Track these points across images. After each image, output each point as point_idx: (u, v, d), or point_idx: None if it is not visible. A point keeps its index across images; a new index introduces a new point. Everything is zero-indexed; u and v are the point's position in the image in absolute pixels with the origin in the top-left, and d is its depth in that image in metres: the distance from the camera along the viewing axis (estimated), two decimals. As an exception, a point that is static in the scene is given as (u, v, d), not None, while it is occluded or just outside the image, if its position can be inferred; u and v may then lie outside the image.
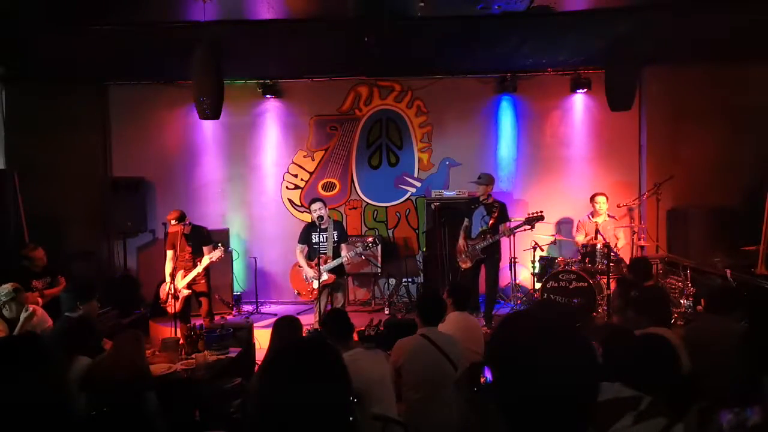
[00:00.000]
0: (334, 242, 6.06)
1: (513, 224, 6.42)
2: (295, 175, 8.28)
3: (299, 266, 6.24)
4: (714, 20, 5.70)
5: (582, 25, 5.73)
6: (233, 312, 7.49)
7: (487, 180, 6.51)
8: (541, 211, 6.24)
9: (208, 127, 7.95)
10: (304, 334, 4.65)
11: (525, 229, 6.41)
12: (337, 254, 6.05)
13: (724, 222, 6.84)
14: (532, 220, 6.24)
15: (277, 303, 8.06)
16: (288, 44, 6.31)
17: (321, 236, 6.04)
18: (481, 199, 6.51)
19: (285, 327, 3.55)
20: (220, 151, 8.26)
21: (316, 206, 6.00)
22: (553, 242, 7.63)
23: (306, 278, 6.12)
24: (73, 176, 7.82)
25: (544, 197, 7.81)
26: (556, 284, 6.39)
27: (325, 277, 5.93)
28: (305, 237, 6.18)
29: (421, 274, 8.00)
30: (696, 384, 2.68)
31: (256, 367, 4.94)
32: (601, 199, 6.89)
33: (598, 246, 6.53)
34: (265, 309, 7.76)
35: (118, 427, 3.16)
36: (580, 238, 6.96)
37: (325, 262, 5.96)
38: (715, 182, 7.33)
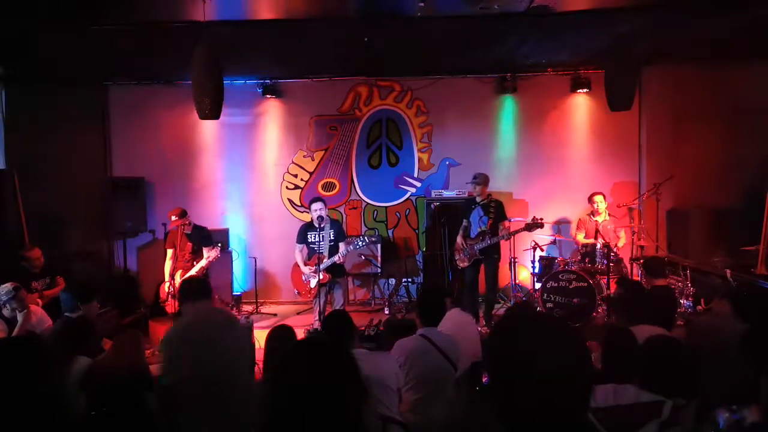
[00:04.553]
0: (331, 241, 6.05)
1: (512, 229, 6.42)
2: (295, 175, 8.28)
3: (299, 266, 6.25)
4: (714, 20, 5.70)
5: (582, 25, 5.73)
6: (233, 312, 7.49)
7: (483, 180, 6.50)
8: (542, 219, 6.27)
9: (208, 127, 7.94)
10: (303, 336, 4.65)
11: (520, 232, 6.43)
12: (334, 254, 6.04)
13: (724, 222, 6.84)
14: (532, 227, 6.25)
15: (277, 303, 8.06)
16: (288, 44, 6.31)
17: (318, 236, 6.04)
18: (478, 199, 6.50)
19: (277, 339, 3.50)
20: (220, 151, 8.26)
21: (316, 206, 6.00)
22: (553, 242, 7.64)
23: (303, 278, 6.13)
24: (73, 176, 7.82)
25: (544, 197, 7.82)
26: (556, 284, 6.39)
27: (320, 276, 5.91)
28: (302, 237, 6.19)
29: (421, 274, 8.00)
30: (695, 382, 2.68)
31: (256, 367, 4.93)
32: (598, 198, 6.89)
33: (598, 246, 6.53)
34: (265, 309, 7.75)
35: (118, 427, 3.16)
36: (580, 237, 6.96)
37: (322, 262, 5.96)
38: (715, 182, 7.32)
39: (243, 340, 3.32)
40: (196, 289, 3.50)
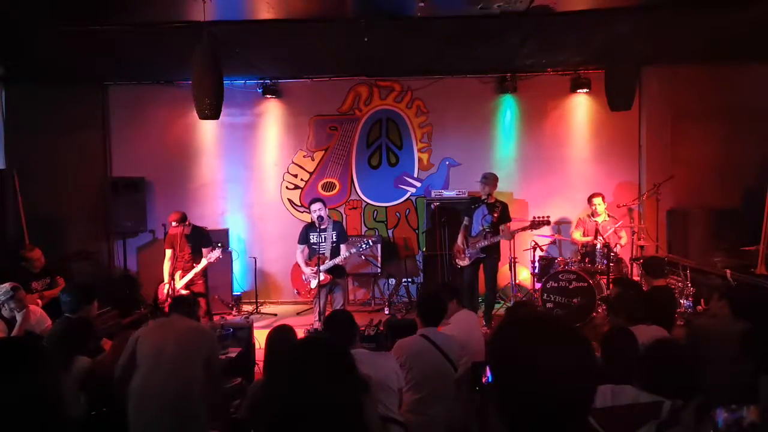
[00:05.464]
0: (333, 242, 6.05)
1: (518, 227, 6.40)
2: (295, 175, 8.28)
3: (299, 266, 6.25)
4: (714, 20, 5.70)
5: (582, 25, 5.73)
6: (233, 312, 7.50)
7: (493, 180, 6.51)
8: (548, 216, 6.26)
9: (208, 127, 7.94)
10: (303, 336, 4.64)
11: (525, 230, 6.41)
12: (336, 254, 6.04)
13: (724, 222, 6.84)
14: (538, 225, 6.24)
15: (277, 303, 8.06)
16: (288, 44, 6.31)
17: (320, 236, 6.04)
18: (483, 198, 6.50)
19: (278, 339, 3.50)
20: (220, 151, 8.26)
21: (315, 206, 6.01)
22: (553, 242, 7.63)
23: (304, 278, 6.13)
24: (73, 176, 7.83)
25: (544, 197, 7.81)
26: (556, 284, 6.39)
27: (321, 277, 5.91)
28: (304, 237, 6.18)
29: (421, 274, 8.00)
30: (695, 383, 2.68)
31: (256, 367, 4.94)
32: (597, 200, 6.90)
33: (598, 246, 6.53)
34: (265, 309, 7.76)
35: (118, 427, 3.16)
36: (578, 235, 6.96)
37: (323, 263, 5.95)
38: (715, 182, 7.32)
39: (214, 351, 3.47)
40: (189, 306, 3.70)
